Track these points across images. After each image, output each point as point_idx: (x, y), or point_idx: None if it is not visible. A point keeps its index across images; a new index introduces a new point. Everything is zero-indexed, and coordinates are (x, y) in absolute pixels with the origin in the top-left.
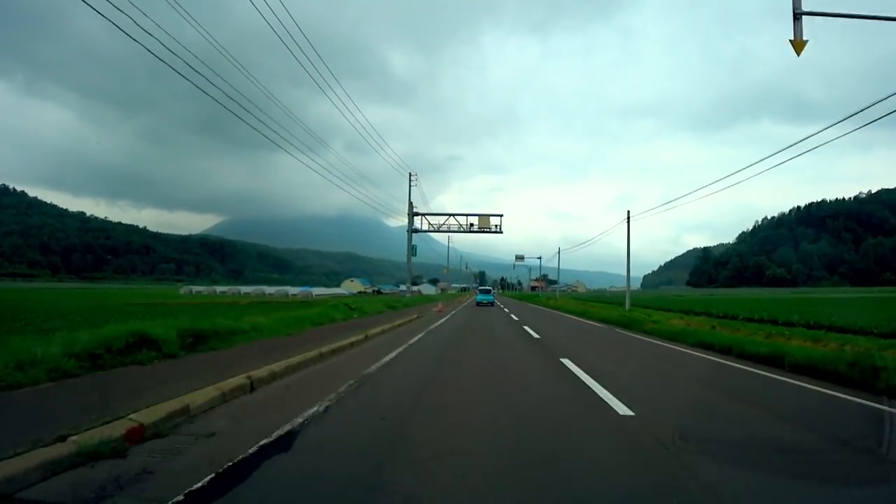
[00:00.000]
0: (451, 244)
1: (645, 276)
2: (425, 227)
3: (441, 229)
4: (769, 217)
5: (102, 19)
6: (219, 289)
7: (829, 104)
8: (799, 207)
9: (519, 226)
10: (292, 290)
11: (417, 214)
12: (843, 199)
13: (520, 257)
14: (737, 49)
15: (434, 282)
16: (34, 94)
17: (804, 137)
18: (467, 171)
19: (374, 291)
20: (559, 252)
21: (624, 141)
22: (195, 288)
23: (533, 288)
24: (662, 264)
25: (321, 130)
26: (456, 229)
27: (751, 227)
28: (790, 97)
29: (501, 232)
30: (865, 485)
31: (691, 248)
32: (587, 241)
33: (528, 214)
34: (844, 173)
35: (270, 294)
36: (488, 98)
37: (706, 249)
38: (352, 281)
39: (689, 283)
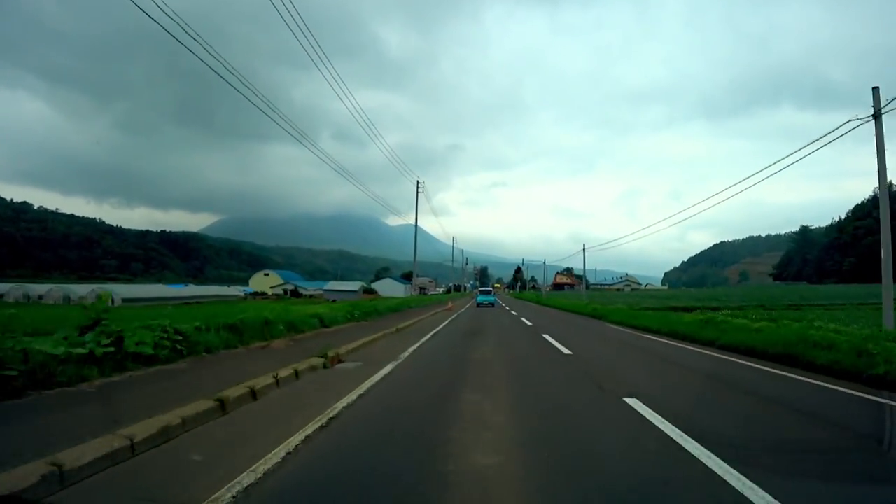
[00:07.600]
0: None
1: (666, 274)
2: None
3: None
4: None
5: None
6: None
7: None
8: None
9: (523, 224)
10: (171, 289)
11: None
12: None
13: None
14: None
15: (408, 277)
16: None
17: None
18: (469, 165)
19: (286, 292)
20: None
21: (633, 131)
22: None
23: (558, 286)
24: (686, 260)
25: (310, 120)
26: None
27: (870, 195)
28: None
29: None
30: None
31: (717, 242)
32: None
33: (532, 211)
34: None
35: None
36: (491, 81)
37: (805, 230)
38: (266, 275)
39: (778, 278)
